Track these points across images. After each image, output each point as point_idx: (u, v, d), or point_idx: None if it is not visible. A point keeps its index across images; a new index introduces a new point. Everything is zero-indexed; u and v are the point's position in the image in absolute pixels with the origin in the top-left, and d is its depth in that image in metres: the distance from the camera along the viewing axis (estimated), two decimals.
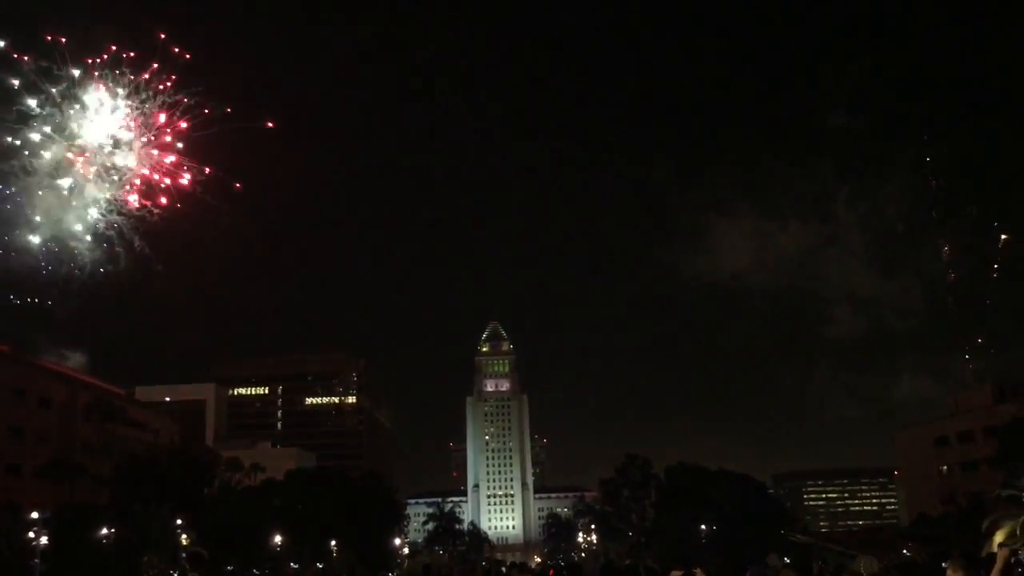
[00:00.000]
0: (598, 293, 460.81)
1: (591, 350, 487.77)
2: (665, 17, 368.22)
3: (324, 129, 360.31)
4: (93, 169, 32.12)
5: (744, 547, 73.56)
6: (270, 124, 37.00)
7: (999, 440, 78.85)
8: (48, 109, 30.98)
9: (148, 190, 33.16)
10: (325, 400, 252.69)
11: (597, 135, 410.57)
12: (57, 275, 33.19)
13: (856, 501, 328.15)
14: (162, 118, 32.32)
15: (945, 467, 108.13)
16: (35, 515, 56.62)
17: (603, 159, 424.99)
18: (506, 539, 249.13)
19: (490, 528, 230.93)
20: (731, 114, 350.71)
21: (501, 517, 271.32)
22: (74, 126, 31.43)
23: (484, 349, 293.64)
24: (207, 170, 33.41)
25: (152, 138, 32.76)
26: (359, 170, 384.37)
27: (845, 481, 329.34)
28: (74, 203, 32.28)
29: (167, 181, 33.09)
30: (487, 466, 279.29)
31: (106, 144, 32.02)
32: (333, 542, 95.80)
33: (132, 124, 32.23)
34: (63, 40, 30.40)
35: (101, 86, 31.38)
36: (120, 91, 31.62)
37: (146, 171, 32.93)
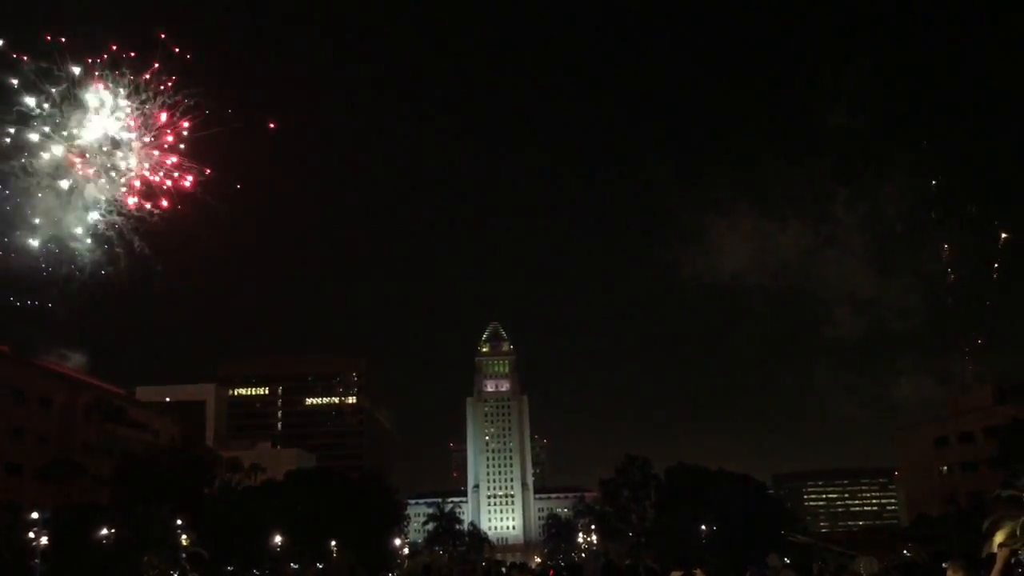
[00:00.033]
0: (598, 293, 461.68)
1: (591, 350, 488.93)
2: (665, 17, 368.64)
3: (324, 129, 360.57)
4: (93, 170, 32.09)
5: (744, 547, 73.54)
6: (272, 125, 36.91)
7: (999, 441, 78.95)
8: (48, 109, 30.94)
9: (148, 191, 33.13)
10: (325, 400, 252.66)
11: (597, 135, 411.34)
12: (57, 276, 33.10)
13: (856, 501, 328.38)
14: (163, 118, 32.28)
15: (945, 467, 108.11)
16: (35, 515, 56.64)
17: (603, 159, 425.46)
18: (506, 539, 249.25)
19: (490, 528, 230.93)
20: (731, 114, 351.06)
21: (501, 517, 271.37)
22: (74, 127, 31.40)
23: (484, 349, 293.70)
24: (207, 171, 33.36)
25: (152, 138, 32.74)
26: (359, 170, 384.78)
27: (845, 481, 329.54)
28: (74, 204, 32.25)
29: (168, 183, 33.06)
30: (487, 466, 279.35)
31: (106, 144, 32.00)
32: (333, 542, 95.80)
33: (132, 124, 32.20)
34: (63, 40, 30.36)
35: (101, 86, 31.33)
36: (120, 91, 31.58)
37: (146, 172, 32.90)
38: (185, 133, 32.71)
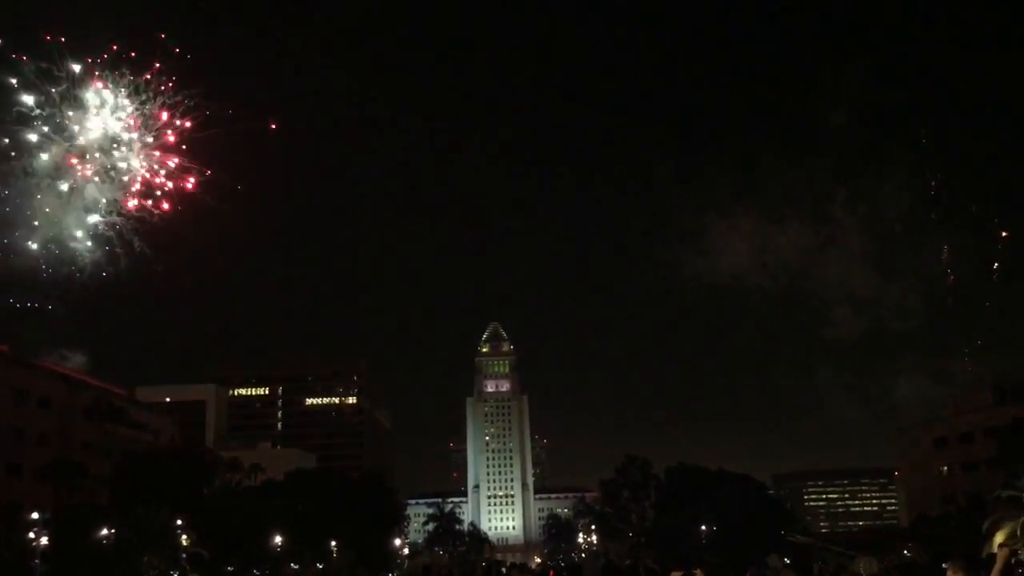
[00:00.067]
0: (598, 293, 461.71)
1: (591, 350, 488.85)
2: (665, 17, 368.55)
3: (325, 130, 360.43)
4: (92, 170, 32.06)
5: (744, 547, 73.53)
6: (272, 125, 36.88)
7: (999, 441, 78.83)
8: (48, 109, 30.92)
9: (148, 191, 33.10)
10: (325, 400, 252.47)
11: (597, 135, 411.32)
12: (57, 276, 33.10)
13: (856, 502, 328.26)
14: (163, 118, 32.25)
15: (945, 468, 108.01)
16: (35, 515, 56.72)
17: (603, 159, 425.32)
18: (506, 540, 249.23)
19: (490, 528, 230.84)
20: (731, 114, 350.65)
21: (501, 517, 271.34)
22: (74, 127, 31.37)
23: (484, 350, 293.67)
24: (207, 171, 33.35)
25: (153, 139, 32.71)
26: (359, 170, 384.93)
27: (845, 481, 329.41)
28: (74, 204, 32.22)
29: (168, 184, 33.04)
30: (487, 466, 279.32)
31: (106, 145, 31.97)
32: (333, 542, 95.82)
33: (132, 125, 32.17)
34: (63, 40, 30.33)
35: (101, 86, 31.30)
36: (121, 91, 31.55)
37: (147, 172, 32.87)
38: (186, 133, 32.71)
